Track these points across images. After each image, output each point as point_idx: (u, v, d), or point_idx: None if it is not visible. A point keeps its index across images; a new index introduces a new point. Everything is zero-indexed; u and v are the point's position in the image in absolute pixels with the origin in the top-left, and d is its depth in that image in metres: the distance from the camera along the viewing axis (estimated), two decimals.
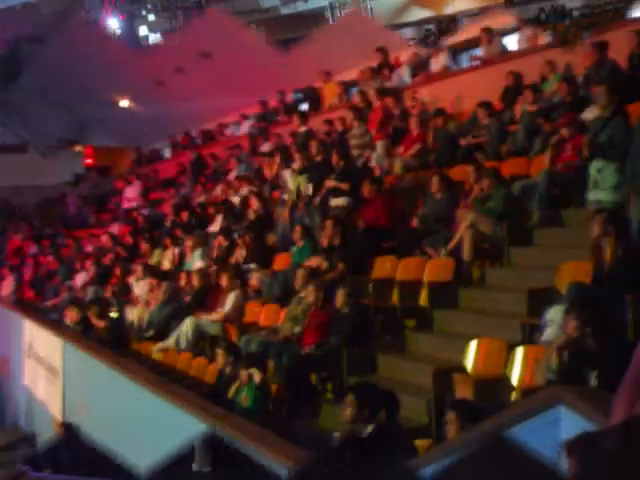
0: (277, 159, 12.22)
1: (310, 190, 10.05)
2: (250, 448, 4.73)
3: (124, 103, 21.97)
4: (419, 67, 12.81)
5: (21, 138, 24.10)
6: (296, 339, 7.35)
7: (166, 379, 7.42)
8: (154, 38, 23.28)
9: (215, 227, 11.82)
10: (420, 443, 5.11)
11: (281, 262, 9.59)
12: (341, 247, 8.42)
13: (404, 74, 12.75)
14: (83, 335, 9.84)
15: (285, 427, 6.10)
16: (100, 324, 9.99)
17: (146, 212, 15.87)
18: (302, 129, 12.59)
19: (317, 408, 6.63)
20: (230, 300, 9.00)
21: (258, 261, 9.80)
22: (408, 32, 19.88)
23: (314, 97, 15.27)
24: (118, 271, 12.42)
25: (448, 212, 8.06)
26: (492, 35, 11.61)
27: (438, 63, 12.46)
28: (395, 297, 7.48)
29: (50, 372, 10.38)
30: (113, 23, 22.47)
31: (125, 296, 11.44)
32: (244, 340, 7.85)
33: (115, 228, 16.25)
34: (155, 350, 9.30)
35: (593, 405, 3.00)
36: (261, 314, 8.68)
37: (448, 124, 10.30)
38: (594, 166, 6.78)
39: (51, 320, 11.93)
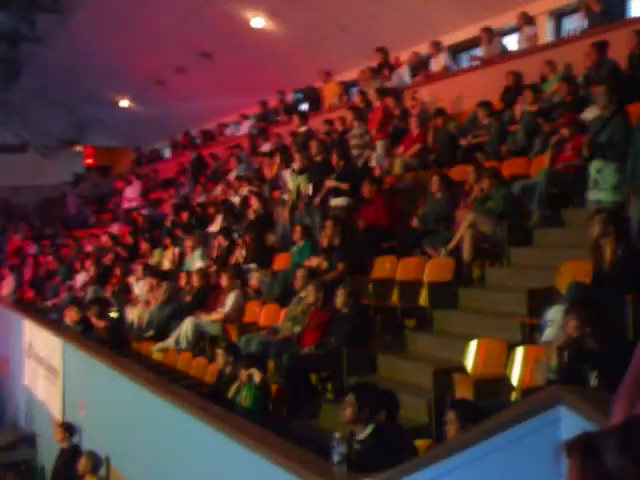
0: (277, 159, 12.22)
1: (310, 190, 10.05)
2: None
3: (124, 103, 21.99)
4: (419, 67, 12.81)
5: (21, 138, 24.13)
6: (296, 339, 7.34)
7: (166, 379, 7.40)
8: None
9: (215, 227, 11.82)
10: (420, 443, 5.09)
11: (281, 262, 9.58)
12: (341, 247, 8.42)
13: (404, 74, 12.74)
14: (83, 335, 9.85)
15: (285, 427, 6.09)
16: (100, 324, 9.99)
17: (146, 212, 15.88)
18: (302, 129, 12.59)
19: (317, 408, 6.61)
20: (230, 300, 9.00)
21: (258, 261, 9.80)
22: None
23: (314, 97, 15.26)
24: (118, 271, 12.43)
25: (448, 212, 8.06)
26: (492, 35, 11.60)
27: (438, 63, 12.45)
28: (395, 297, 7.46)
29: (50, 372, 10.39)
30: None
31: (125, 296, 11.45)
32: (244, 340, 7.84)
33: (115, 228, 16.28)
34: (155, 350, 9.30)
35: (593, 405, 2.99)
36: (261, 314, 8.67)
37: (448, 124, 10.31)
38: (594, 166, 6.77)
39: (51, 320, 11.94)
